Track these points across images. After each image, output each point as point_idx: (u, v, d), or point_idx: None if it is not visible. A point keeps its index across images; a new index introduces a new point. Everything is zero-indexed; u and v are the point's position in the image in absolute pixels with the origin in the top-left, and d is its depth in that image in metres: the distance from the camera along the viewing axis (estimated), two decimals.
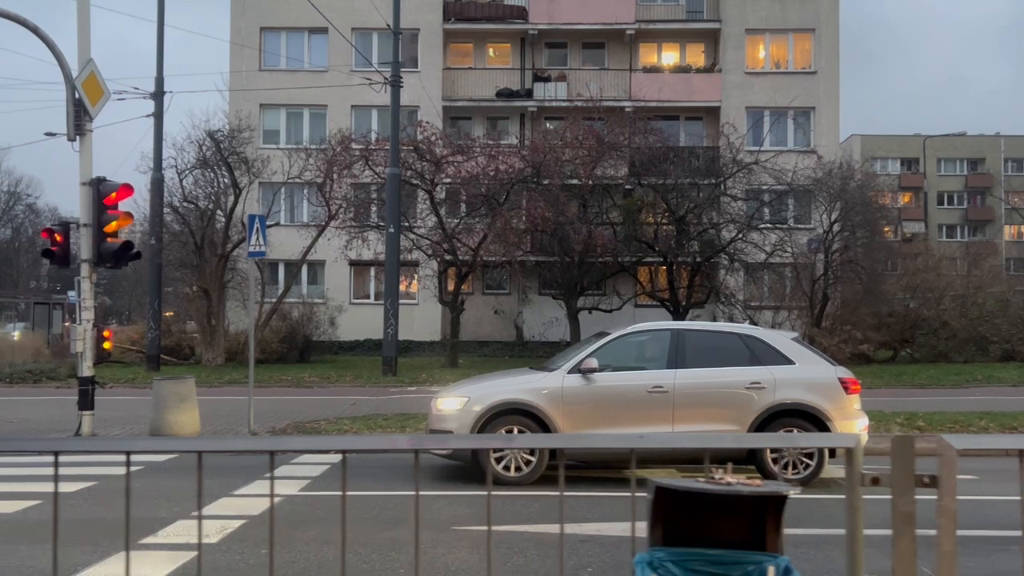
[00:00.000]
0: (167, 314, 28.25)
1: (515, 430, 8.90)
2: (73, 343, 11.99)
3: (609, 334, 9.67)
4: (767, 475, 8.78)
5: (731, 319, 24.33)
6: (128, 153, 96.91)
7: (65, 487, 8.30)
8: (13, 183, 79.50)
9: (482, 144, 25.10)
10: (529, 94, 32.66)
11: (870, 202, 24.90)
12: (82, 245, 11.96)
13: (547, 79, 32.83)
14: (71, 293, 46.73)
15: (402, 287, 32.93)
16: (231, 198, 24.39)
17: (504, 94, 32.66)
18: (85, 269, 12.00)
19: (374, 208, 26.57)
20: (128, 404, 15.58)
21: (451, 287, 33.81)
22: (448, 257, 24.78)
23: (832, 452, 8.77)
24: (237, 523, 7.03)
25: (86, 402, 11.94)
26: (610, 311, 26.87)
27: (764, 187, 24.66)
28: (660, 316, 29.66)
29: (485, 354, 29.81)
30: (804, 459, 8.84)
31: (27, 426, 13.25)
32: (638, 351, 9.75)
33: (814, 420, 8.83)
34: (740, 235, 23.73)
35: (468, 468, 9.23)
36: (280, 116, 32.74)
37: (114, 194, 11.95)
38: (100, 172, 12.18)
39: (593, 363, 9.10)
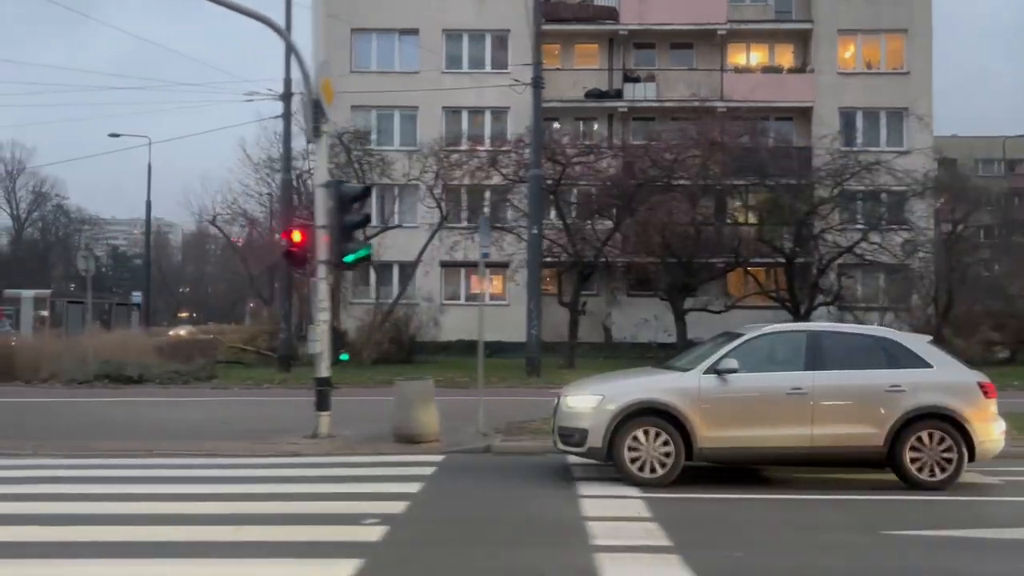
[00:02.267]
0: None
1: (650, 430, 8.89)
2: (311, 344, 12.03)
3: (742, 335, 9.65)
4: (906, 478, 8.87)
5: (840, 321, 24.33)
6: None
7: None
8: (38, 183, 79.50)
9: (612, 145, 25.19)
10: (618, 94, 32.70)
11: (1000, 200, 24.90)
12: (319, 246, 11.98)
13: (636, 79, 32.87)
14: (135, 294, 46.78)
15: (493, 289, 33.03)
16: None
17: (594, 95, 32.70)
18: (322, 271, 12.03)
19: (487, 209, 26.69)
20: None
21: (550, 288, 33.95)
22: (568, 258, 24.84)
23: (972, 456, 8.84)
24: None
25: (324, 403, 12.00)
26: (719, 312, 26.87)
27: (884, 187, 24.68)
28: (769, 318, 29.64)
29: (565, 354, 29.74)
30: (943, 462, 8.87)
31: (263, 426, 13.19)
32: (773, 352, 9.68)
33: (954, 424, 8.86)
34: (864, 237, 23.77)
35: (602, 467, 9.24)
36: (371, 118, 32.78)
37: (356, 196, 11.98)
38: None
39: (732, 363, 9.11)
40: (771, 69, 32.58)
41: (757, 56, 33.54)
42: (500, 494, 8.72)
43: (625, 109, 32.42)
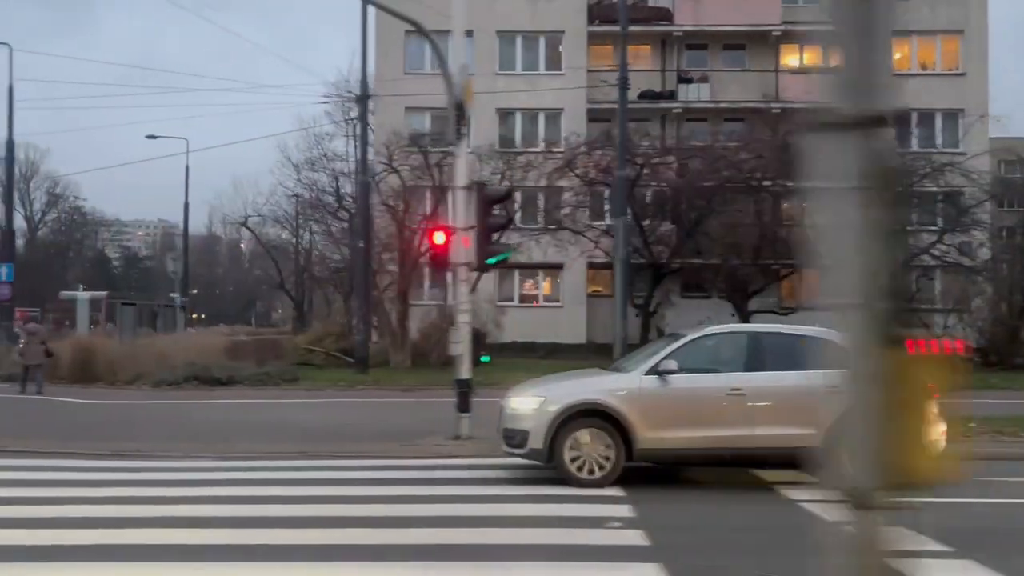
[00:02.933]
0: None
1: (591, 431, 8.92)
2: (453, 346, 12.04)
3: (684, 335, 9.76)
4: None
5: (926, 325, 24.30)
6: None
7: None
8: (52, 185, 79.59)
9: (692, 145, 25.23)
10: (672, 96, 32.72)
11: None
12: (459, 249, 11.99)
13: (690, 80, 32.89)
14: (174, 296, 46.76)
15: (546, 290, 33.04)
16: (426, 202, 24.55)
17: (648, 95, 32.70)
18: (463, 273, 12.05)
19: (566, 210, 26.73)
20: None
21: (595, 287, 33.85)
22: (644, 259, 24.87)
23: None
24: None
25: (465, 405, 12.01)
26: (786, 313, 26.85)
27: (956, 188, 24.68)
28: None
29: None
30: None
31: (392, 428, 13.17)
32: (714, 353, 9.77)
33: None
34: (940, 238, 23.77)
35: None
36: (425, 120, 32.79)
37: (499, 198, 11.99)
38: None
39: (672, 364, 9.12)
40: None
41: (811, 57, 33.51)
42: (698, 496, 8.75)
43: (680, 110, 32.43)
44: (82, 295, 33.08)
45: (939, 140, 31.33)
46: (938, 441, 7.80)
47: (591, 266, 32.25)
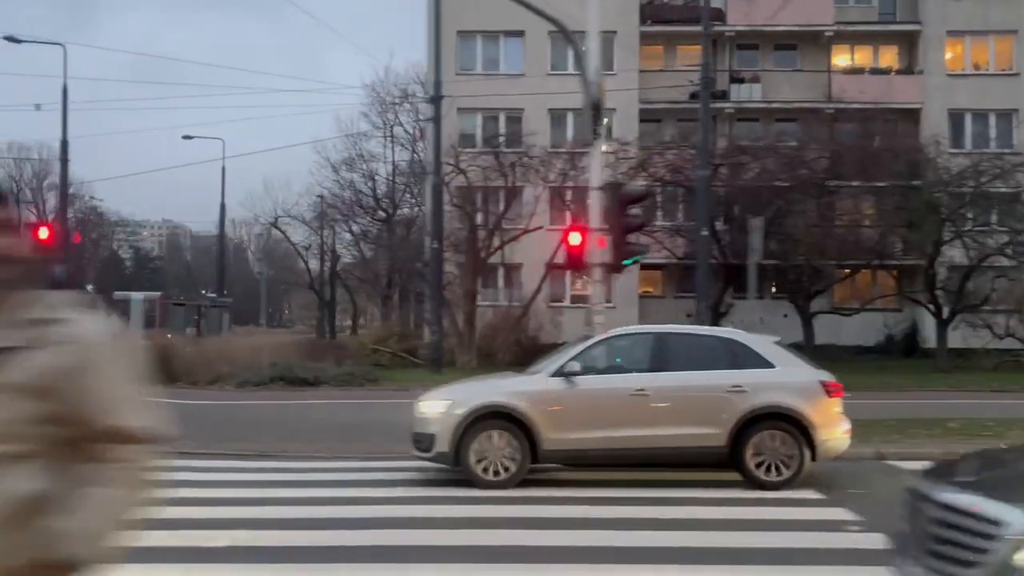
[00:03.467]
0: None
1: (497, 434, 8.95)
2: None
3: (592, 337, 9.86)
4: (748, 478, 8.88)
5: (989, 327, 24.25)
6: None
7: None
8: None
9: (768, 144, 25.22)
10: (723, 96, 32.67)
11: None
12: (595, 249, 11.97)
13: (741, 80, 32.86)
14: (212, 296, 46.74)
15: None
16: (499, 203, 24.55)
17: (698, 96, 32.64)
18: (598, 273, 12.02)
19: (636, 209, 26.64)
20: None
21: (646, 288, 33.73)
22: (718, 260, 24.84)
23: (814, 455, 8.88)
24: None
25: None
26: (849, 314, 26.84)
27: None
28: (899, 319, 29.65)
29: None
30: (786, 460, 8.86)
31: None
32: (621, 355, 9.86)
33: (795, 423, 8.87)
34: (1012, 240, 23.74)
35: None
36: (476, 120, 32.81)
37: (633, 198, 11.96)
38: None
39: (575, 366, 9.19)
40: (879, 71, 32.56)
41: (861, 57, 33.52)
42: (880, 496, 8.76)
43: (732, 110, 32.40)
44: (136, 295, 33.14)
45: (993, 140, 31.28)
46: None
47: (644, 266, 32.16)
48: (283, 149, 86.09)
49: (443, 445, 8.95)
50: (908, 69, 32.49)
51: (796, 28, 32.13)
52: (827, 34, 32.11)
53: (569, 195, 26.42)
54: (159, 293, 37.42)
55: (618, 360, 9.81)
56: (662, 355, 9.38)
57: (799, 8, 31.88)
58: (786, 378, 9.12)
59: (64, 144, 30.51)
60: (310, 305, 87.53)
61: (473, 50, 32.96)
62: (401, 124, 49.66)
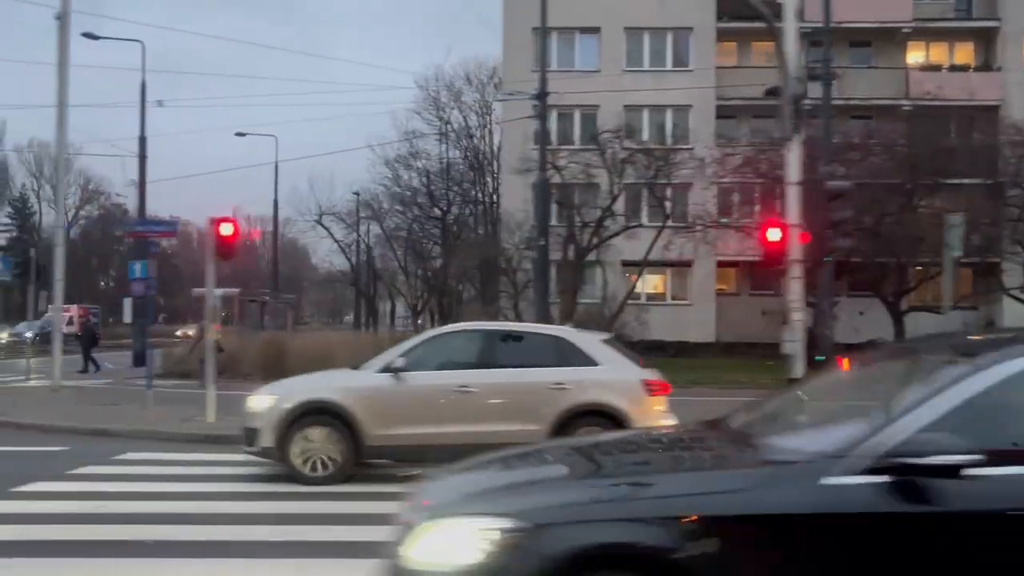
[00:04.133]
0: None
1: (321, 429, 8.99)
2: (787, 344, 11.91)
3: (423, 334, 10.22)
4: None
5: None
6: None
7: None
8: (84, 183, 79.64)
9: (882, 142, 25.14)
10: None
11: None
12: (794, 245, 11.86)
13: (817, 77, 32.67)
14: (277, 294, 46.65)
15: (674, 288, 32.85)
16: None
17: (775, 92, 32.43)
18: (796, 270, 11.92)
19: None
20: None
21: (724, 286, 33.57)
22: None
23: None
24: None
25: None
26: (941, 312, 26.65)
27: None
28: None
29: (757, 356, 29.69)
30: None
31: None
32: (450, 351, 9.88)
33: (614, 420, 8.90)
34: None
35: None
36: (551, 117, 32.66)
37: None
38: None
39: (401, 362, 9.22)
40: (957, 68, 32.42)
41: (936, 54, 33.38)
42: None
43: (809, 107, 32.21)
44: (215, 292, 32.93)
45: None
46: None
47: (720, 264, 32.07)
48: (332, 145, 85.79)
49: (268, 440, 9.00)
50: (985, 66, 32.34)
51: (872, 25, 32.01)
52: (903, 31, 31.97)
53: (669, 192, 26.35)
54: (237, 289, 37.38)
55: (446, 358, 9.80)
56: (489, 352, 9.55)
57: (878, 5, 31.79)
58: (608, 376, 9.24)
59: (142, 140, 30.47)
60: (320, 303, 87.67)
61: (548, 47, 32.77)
62: (450, 123, 49.71)
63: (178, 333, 46.64)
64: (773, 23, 12.44)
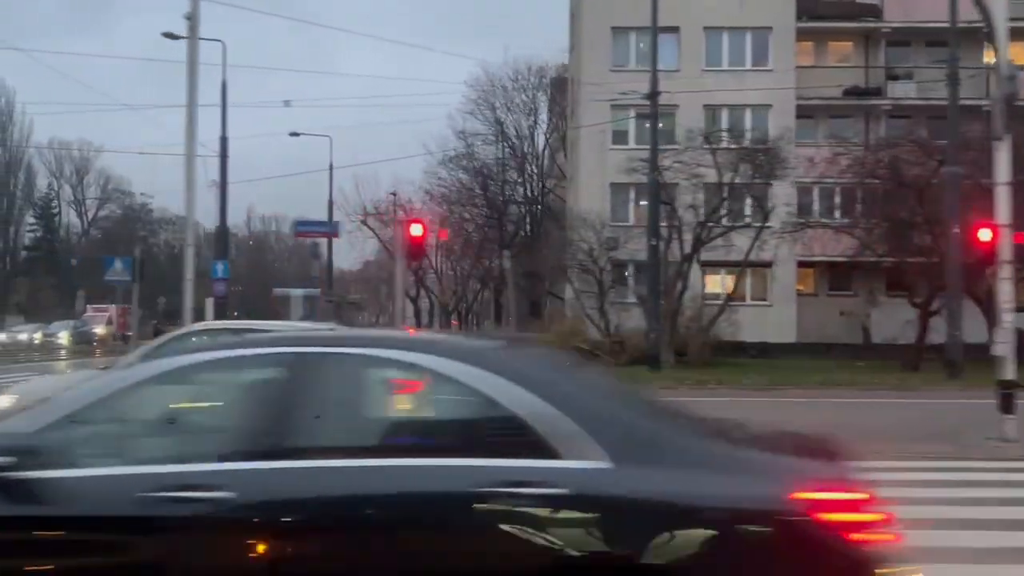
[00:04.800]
0: None
1: None
2: (997, 346, 11.77)
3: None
4: None
5: None
6: None
7: None
8: (104, 182, 79.67)
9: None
10: (878, 92, 32.45)
11: None
12: (1004, 245, 11.73)
13: (896, 77, 32.61)
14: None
15: (753, 289, 32.67)
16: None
17: (854, 92, 32.46)
18: (1007, 270, 11.78)
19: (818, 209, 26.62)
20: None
21: (801, 286, 33.38)
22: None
23: None
24: None
25: (1009, 406, 11.72)
26: None
27: None
28: None
29: (838, 357, 29.53)
30: None
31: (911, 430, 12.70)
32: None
33: None
34: None
35: None
36: (630, 116, 32.61)
37: None
38: None
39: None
40: None
41: (1017, 54, 33.14)
42: None
43: (889, 107, 32.16)
44: (296, 292, 33.09)
45: None
46: None
47: (801, 264, 31.92)
48: (385, 145, 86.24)
49: None
50: None
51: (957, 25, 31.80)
52: (985, 30, 31.73)
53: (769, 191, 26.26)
54: (318, 290, 37.41)
55: None
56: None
57: (960, 4, 31.61)
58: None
59: (223, 140, 30.35)
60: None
61: (627, 46, 32.71)
62: (501, 123, 49.69)
63: None
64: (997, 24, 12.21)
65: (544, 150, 51.73)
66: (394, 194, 55.58)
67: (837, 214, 30.87)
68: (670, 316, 24.60)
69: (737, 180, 24.91)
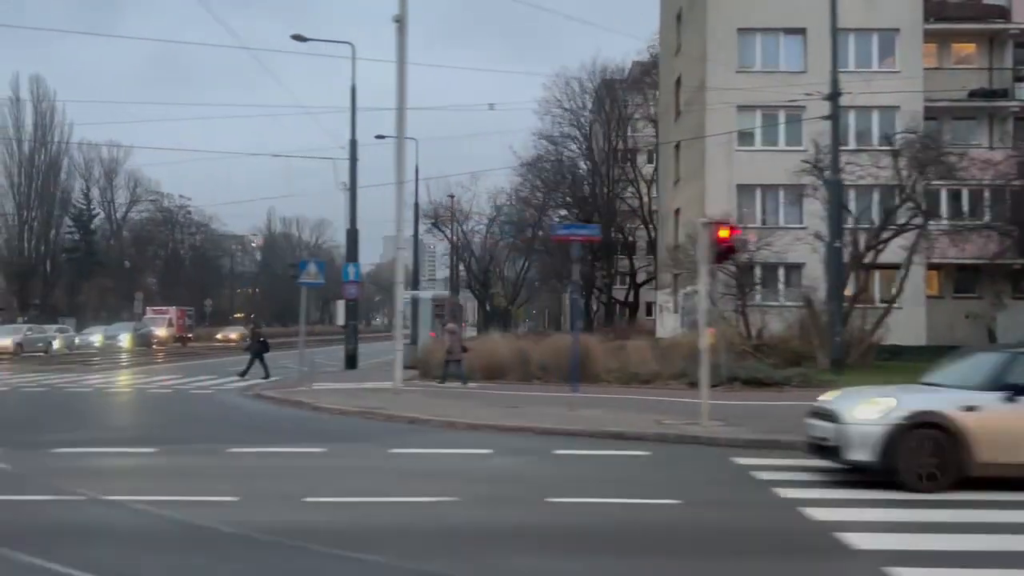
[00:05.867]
0: None
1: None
2: None
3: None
4: None
5: None
6: None
7: None
8: (133, 184, 79.89)
9: None
10: (1004, 94, 32.31)
11: None
12: None
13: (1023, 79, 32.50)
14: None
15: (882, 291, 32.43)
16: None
17: (980, 94, 32.31)
18: None
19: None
20: None
21: (933, 288, 33.01)
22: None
23: None
24: None
25: None
26: None
27: None
28: None
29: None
30: None
31: None
32: None
33: None
34: None
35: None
36: (755, 118, 32.51)
37: None
38: None
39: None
40: None
41: None
42: None
43: (1017, 108, 32.02)
44: (424, 294, 32.88)
45: None
46: None
47: (930, 267, 31.75)
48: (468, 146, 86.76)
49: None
50: None
51: None
52: None
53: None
54: (447, 292, 37.24)
55: None
56: None
57: None
58: None
59: (353, 144, 30.41)
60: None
61: (752, 47, 32.61)
62: (578, 124, 49.64)
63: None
64: None
65: (611, 152, 51.83)
66: (451, 196, 55.89)
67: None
68: (834, 319, 24.38)
69: (914, 180, 24.71)
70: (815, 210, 26.81)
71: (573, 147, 49.91)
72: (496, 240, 56.08)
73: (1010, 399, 9.08)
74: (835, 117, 23.03)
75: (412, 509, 8.21)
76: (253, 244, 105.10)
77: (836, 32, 23.59)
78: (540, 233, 50.07)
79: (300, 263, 23.71)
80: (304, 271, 20.76)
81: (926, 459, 8.96)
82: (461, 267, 59.51)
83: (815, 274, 30.73)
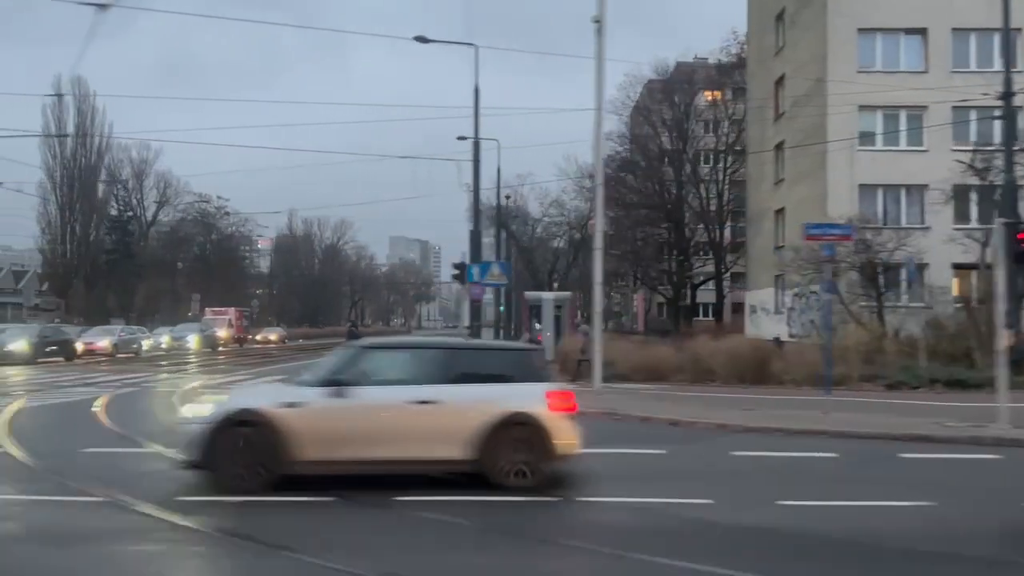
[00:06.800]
0: None
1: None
2: None
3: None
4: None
5: None
6: None
7: None
8: (163, 185, 79.37)
9: None
10: None
11: None
12: None
13: None
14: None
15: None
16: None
17: None
18: None
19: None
20: None
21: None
22: None
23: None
24: None
25: None
26: None
27: None
28: None
29: None
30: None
31: None
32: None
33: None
34: None
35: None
36: (876, 118, 32.29)
37: None
38: None
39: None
40: None
41: None
42: None
43: None
44: (547, 295, 32.69)
45: None
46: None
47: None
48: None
49: None
50: None
51: None
52: None
53: None
54: (568, 293, 36.97)
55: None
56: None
57: None
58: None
59: (476, 144, 30.21)
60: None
61: (872, 47, 32.41)
62: (662, 125, 49.44)
63: None
64: None
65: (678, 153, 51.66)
66: (507, 197, 55.72)
67: None
68: (985, 318, 24.12)
69: None
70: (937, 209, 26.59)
71: (651, 147, 49.81)
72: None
73: (336, 395, 8.93)
74: (1010, 116, 22.76)
75: (911, 513, 8.41)
76: (259, 245, 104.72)
77: (1008, 32, 23.27)
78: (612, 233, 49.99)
79: (469, 265, 23.29)
80: (487, 272, 20.41)
81: (242, 457, 8.71)
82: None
83: (941, 274, 30.56)
